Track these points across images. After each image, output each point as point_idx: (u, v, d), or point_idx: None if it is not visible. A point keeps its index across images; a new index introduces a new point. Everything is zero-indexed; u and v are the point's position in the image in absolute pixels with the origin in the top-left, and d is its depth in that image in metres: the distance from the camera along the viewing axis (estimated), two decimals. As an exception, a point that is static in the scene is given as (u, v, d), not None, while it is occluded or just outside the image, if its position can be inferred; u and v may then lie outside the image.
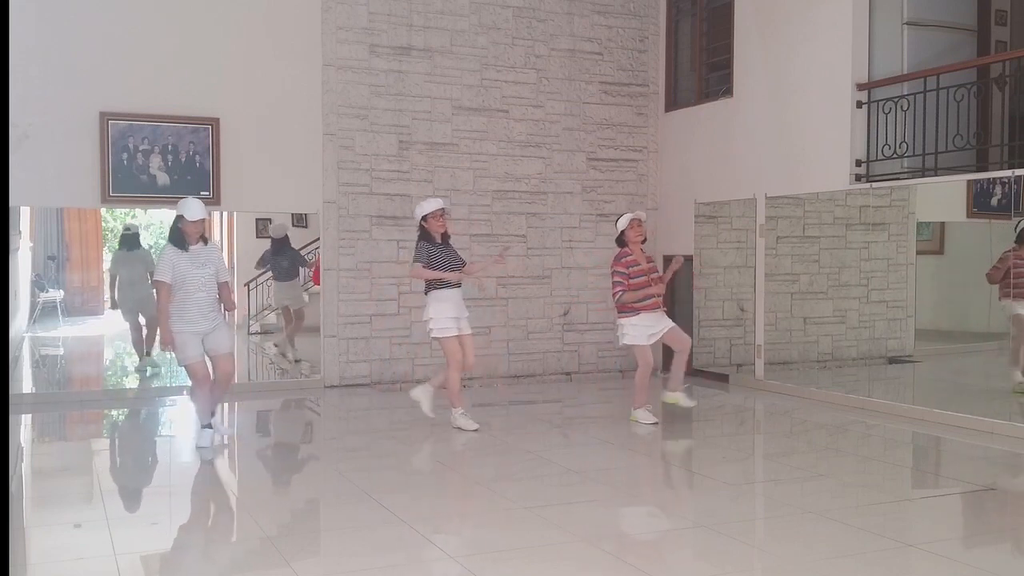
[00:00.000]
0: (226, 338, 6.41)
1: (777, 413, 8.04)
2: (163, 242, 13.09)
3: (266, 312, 11.10)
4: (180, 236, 6.18)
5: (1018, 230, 7.59)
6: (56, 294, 11.35)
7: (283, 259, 10.01)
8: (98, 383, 9.61)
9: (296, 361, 10.28)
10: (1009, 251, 7.67)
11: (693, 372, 9.71)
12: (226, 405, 8.43)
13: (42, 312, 11.17)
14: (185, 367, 6.26)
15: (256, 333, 10.93)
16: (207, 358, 6.32)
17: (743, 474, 5.98)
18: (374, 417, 7.96)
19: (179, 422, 7.77)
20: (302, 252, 10.44)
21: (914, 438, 6.96)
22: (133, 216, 11.87)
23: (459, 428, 6.83)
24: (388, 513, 4.85)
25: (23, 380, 9.46)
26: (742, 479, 5.78)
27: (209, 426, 6.35)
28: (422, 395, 7.09)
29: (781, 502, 5.19)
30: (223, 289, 6.34)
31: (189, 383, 6.53)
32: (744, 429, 7.78)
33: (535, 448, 6.44)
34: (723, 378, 9.35)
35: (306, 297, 10.32)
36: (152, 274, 6.42)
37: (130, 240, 9.56)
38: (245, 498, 5.45)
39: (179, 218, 6.20)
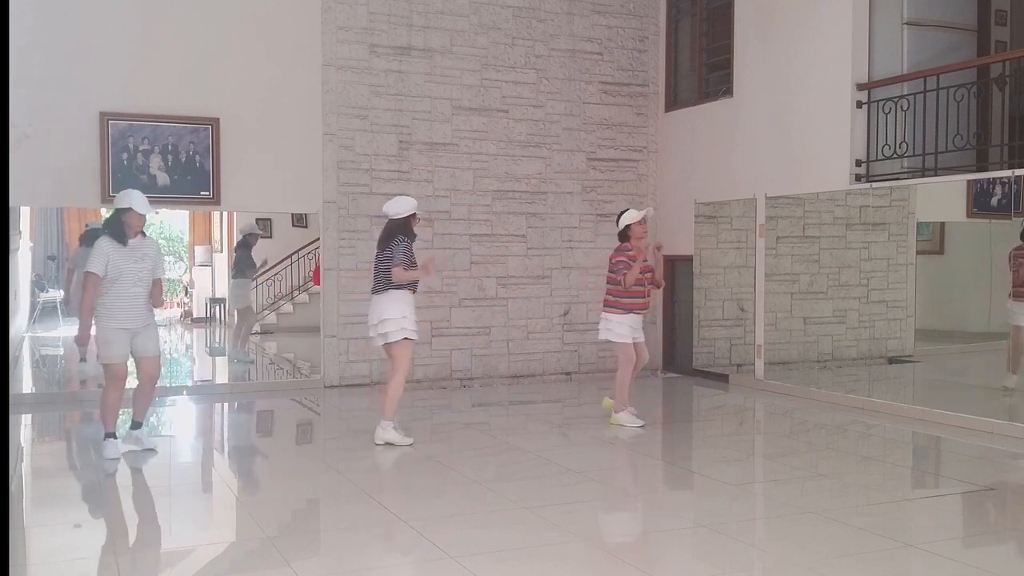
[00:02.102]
0: (155, 339, 6.11)
1: (777, 413, 8.04)
2: (163, 242, 13.17)
3: (266, 312, 11.15)
4: (120, 228, 5.92)
5: None
6: (56, 294, 11.36)
7: (246, 259, 10.15)
8: (98, 383, 9.60)
9: (249, 361, 10.38)
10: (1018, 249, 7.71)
11: (693, 372, 9.73)
12: (222, 407, 8.44)
13: (42, 312, 11.18)
14: (104, 366, 5.95)
15: (256, 333, 10.96)
16: (133, 359, 6.06)
17: (743, 474, 5.97)
18: (374, 417, 7.94)
19: (180, 422, 7.77)
20: (301, 251, 10.52)
21: (914, 438, 6.96)
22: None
23: (389, 443, 6.36)
24: (388, 513, 4.85)
25: (23, 380, 9.47)
26: (742, 479, 5.77)
27: (113, 435, 5.98)
28: (384, 434, 6.43)
29: (781, 502, 5.19)
30: (155, 286, 6.06)
31: (106, 383, 6.10)
32: (744, 429, 7.78)
33: (535, 448, 6.44)
34: (723, 378, 9.35)
35: (251, 297, 10.47)
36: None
37: (88, 237, 9.54)
38: (245, 498, 5.45)
39: (123, 210, 5.94)
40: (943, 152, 7.36)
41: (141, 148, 8.27)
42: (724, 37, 9.33)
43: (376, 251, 6.50)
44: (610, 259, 7.18)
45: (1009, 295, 7.82)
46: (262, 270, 10.69)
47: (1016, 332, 7.82)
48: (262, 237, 10.31)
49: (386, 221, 6.50)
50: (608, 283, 7.17)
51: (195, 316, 12.08)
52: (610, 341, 7.18)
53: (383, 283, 6.36)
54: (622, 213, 7.22)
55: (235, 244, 10.32)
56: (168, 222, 12.66)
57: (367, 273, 8.93)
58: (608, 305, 7.13)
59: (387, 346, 6.40)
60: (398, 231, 6.38)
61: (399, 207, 6.43)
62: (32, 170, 7.81)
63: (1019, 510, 5.25)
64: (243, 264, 10.23)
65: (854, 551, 4.22)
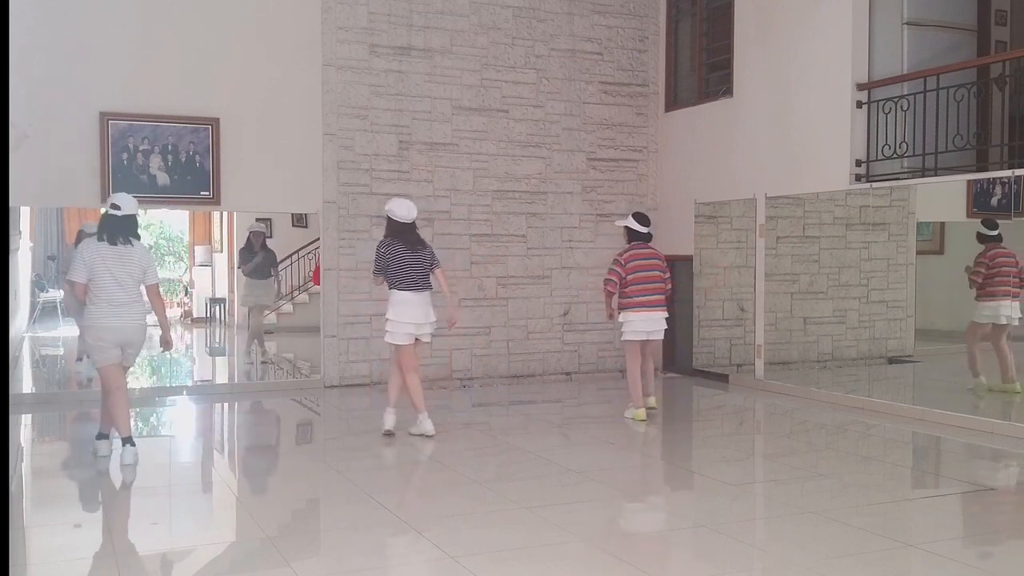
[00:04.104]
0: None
1: (777, 413, 8.04)
2: (163, 242, 13.16)
3: (266, 312, 11.13)
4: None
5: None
6: (56, 294, 11.35)
7: (259, 258, 10.14)
8: (98, 383, 9.59)
9: (264, 362, 10.36)
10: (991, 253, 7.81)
11: (693, 372, 9.73)
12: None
13: (42, 312, 11.17)
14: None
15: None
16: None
17: (743, 474, 5.97)
18: (374, 417, 7.94)
19: (179, 422, 7.78)
20: (301, 251, 10.51)
21: (914, 438, 6.96)
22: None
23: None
24: (388, 513, 4.85)
25: (23, 380, 9.46)
26: (742, 479, 5.78)
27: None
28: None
29: (781, 502, 5.19)
30: None
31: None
32: (744, 429, 7.78)
33: (535, 448, 6.44)
34: (723, 378, 9.35)
35: (259, 297, 10.47)
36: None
37: (80, 238, 9.59)
38: (245, 498, 5.45)
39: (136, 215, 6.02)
40: (943, 152, 7.35)
41: (141, 148, 8.27)
42: (724, 37, 9.33)
43: (408, 252, 6.58)
44: (663, 260, 7.41)
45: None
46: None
47: (989, 331, 7.92)
48: (266, 236, 10.29)
49: (408, 223, 6.61)
50: (661, 283, 7.31)
51: (195, 316, 12.08)
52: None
53: (428, 282, 6.66)
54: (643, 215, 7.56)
55: (249, 246, 10.29)
56: (168, 222, 12.66)
57: (367, 274, 8.98)
58: (664, 305, 7.36)
59: (419, 343, 6.72)
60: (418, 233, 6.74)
61: (415, 211, 6.69)
62: (32, 170, 7.81)
63: (1019, 510, 5.25)
64: (267, 263, 10.26)
65: (854, 551, 4.22)
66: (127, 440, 5.79)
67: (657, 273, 7.27)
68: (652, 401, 7.52)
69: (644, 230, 7.36)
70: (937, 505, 5.25)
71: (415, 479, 5.89)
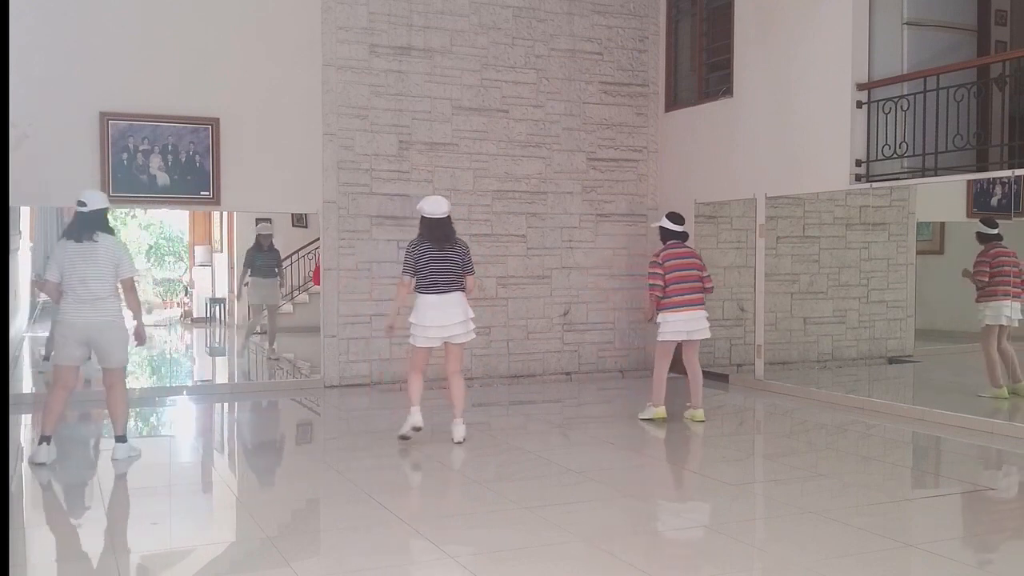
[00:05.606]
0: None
1: (777, 413, 8.04)
2: (162, 242, 13.14)
3: (265, 312, 11.14)
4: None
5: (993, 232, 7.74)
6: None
7: (265, 258, 10.18)
8: (98, 383, 9.58)
9: (275, 358, 10.41)
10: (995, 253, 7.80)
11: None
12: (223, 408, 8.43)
13: (42, 312, 11.17)
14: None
15: (256, 333, 10.94)
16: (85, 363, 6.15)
17: (743, 474, 5.98)
18: (374, 417, 7.96)
19: (180, 422, 7.78)
20: (301, 251, 10.52)
21: (914, 438, 6.96)
22: (132, 216, 11.87)
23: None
24: (388, 513, 4.85)
25: (23, 380, 9.46)
26: (742, 479, 5.78)
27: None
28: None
29: (781, 502, 5.20)
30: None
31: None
32: (744, 429, 7.78)
33: (535, 448, 6.44)
34: (723, 378, 9.35)
35: (281, 295, 10.52)
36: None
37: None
38: (245, 498, 5.45)
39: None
40: (943, 152, 7.36)
41: (141, 148, 8.28)
42: (724, 37, 9.33)
43: (435, 251, 6.35)
44: (700, 259, 7.36)
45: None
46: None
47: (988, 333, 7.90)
48: (272, 235, 10.33)
49: (436, 218, 6.38)
50: (699, 281, 7.17)
51: (195, 316, 12.09)
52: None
53: (458, 283, 6.41)
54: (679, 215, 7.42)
55: (257, 246, 10.34)
56: (168, 222, 12.67)
57: (367, 274, 8.97)
58: (704, 304, 7.24)
59: (454, 345, 6.46)
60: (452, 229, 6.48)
61: (445, 205, 6.44)
62: (32, 170, 7.81)
63: (1019, 510, 5.26)
64: (255, 264, 10.30)
65: (854, 551, 4.22)
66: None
67: (695, 272, 7.14)
68: (700, 414, 7.21)
69: (679, 229, 7.25)
70: (937, 505, 5.25)
71: (415, 479, 5.88)
